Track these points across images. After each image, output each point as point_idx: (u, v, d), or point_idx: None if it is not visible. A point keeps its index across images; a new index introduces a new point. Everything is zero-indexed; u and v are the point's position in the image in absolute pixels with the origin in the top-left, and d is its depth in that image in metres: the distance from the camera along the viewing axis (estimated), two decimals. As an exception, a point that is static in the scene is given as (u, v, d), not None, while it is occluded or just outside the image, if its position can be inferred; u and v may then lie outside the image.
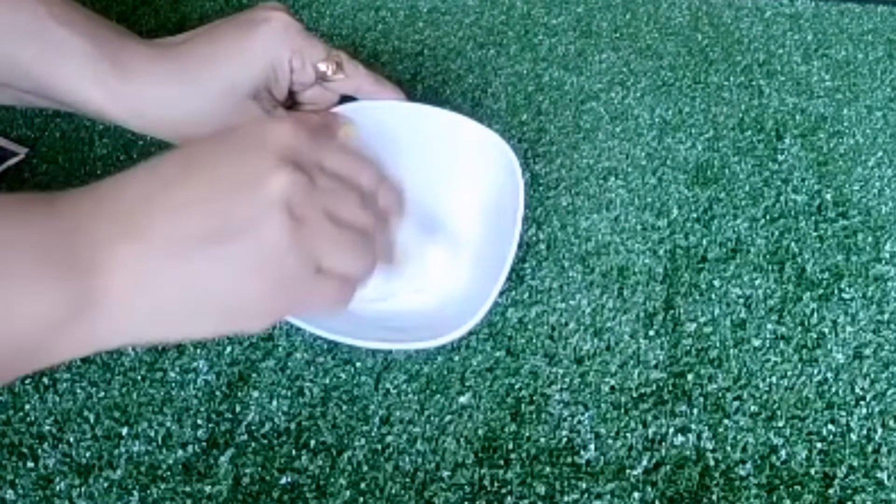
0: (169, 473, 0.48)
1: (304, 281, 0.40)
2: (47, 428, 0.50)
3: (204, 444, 0.50)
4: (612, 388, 0.52)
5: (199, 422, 0.50)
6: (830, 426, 0.50)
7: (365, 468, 0.49)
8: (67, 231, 0.36)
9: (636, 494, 0.48)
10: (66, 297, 0.36)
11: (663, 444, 0.50)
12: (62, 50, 0.51)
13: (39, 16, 0.51)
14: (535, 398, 0.52)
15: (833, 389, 0.52)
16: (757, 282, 0.58)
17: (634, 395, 0.52)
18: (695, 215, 0.62)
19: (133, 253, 0.37)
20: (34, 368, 0.38)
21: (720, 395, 0.52)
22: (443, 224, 0.59)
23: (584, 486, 0.48)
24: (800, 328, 0.55)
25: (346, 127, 0.48)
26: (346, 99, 0.60)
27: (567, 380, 0.53)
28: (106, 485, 0.48)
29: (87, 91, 0.52)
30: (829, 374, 0.53)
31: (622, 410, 0.51)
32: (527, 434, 0.50)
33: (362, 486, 0.48)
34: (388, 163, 0.59)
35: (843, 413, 0.51)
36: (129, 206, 0.37)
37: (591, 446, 0.50)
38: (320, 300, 0.41)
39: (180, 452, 0.49)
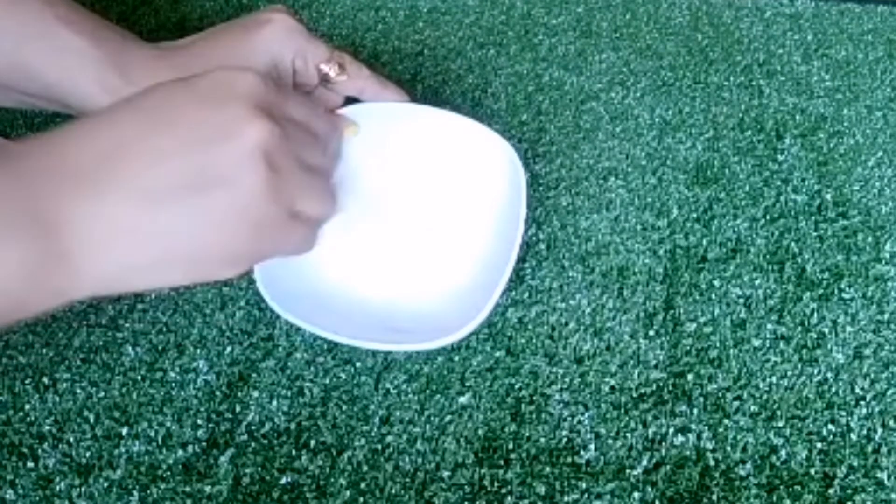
0: (169, 473, 0.48)
1: (280, 226, 0.40)
2: (47, 428, 0.50)
3: (204, 444, 0.50)
4: (612, 388, 0.52)
5: (199, 422, 0.50)
6: (830, 426, 0.50)
7: (365, 468, 0.49)
8: (31, 188, 0.36)
9: (636, 494, 0.48)
10: (33, 253, 0.36)
11: (663, 444, 0.50)
12: (66, 51, 0.51)
13: (44, 17, 0.51)
14: (535, 398, 0.52)
15: (833, 389, 0.52)
16: (757, 282, 0.58)
17: (634, 395, 0.52)
18: (695, 215, 0.62)
19: (100, 205, 0.36)
20: (5, 322, 0.38)
21: (720, 395, 0.52)
22: (446, 224, 0.59)
23: (584, 486, 0.48)
24: (800, 328, 0.55)
25: (351, 127, 0.49)
26: (350, 100, 0.60)
27: (567, 380, 0.53)
28: (106, 485, 0.48)
29: (90, 92, 0.52)
30: (829, 374, 0.53)
31: (622, 410, 0.51)
32: (527, 434, 0.50)
33: (362, 486, 0.48)
34: (393, 164, 0.59)
35: (843, 413, 0.51)
36: (96, 158, 0.37)
37: (591, 446, 0.50)
38: (292, 244, 0.42)
39: (180, 452, 0.49)
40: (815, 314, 0.56)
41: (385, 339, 0.52)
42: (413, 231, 0.58)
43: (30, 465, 0.48)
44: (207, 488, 0.48)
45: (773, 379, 0.53)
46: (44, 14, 0.51)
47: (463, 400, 0.52)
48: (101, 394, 0.51)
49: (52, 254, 0.36)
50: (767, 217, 0.62)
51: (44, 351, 0.53)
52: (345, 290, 0.56)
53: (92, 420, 0.50)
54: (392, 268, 0.57)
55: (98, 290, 0.39)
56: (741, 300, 0.57)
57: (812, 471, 0.49)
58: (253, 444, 0.50)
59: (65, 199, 0.36)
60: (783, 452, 0.49)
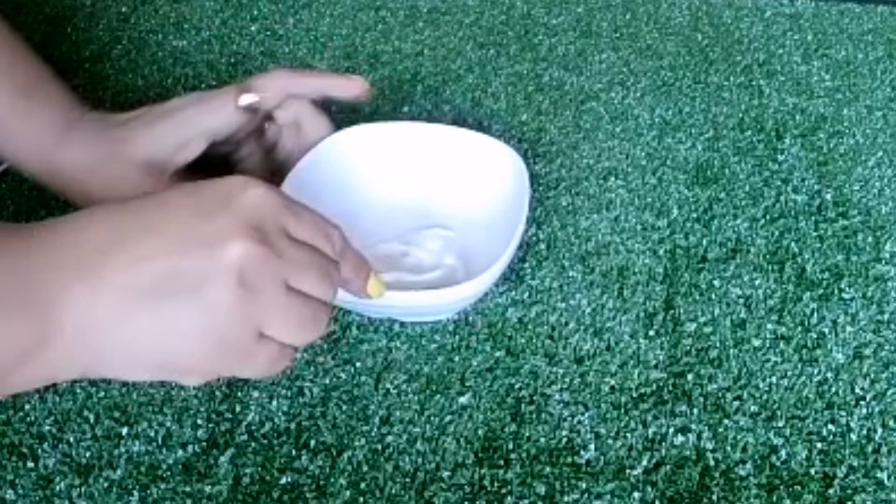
0: (169, 473, 0.48)
1: (244, 347, 0.39)
2: (47, 428, 0.50)
3: (204, 444, 0.50)
4: (612, 388, 0.52)
5: (199, 422, 0.50)
6: (830, 426, 0.50)
7: (365, 468, 0.49)
8: (33, 269, 0.37)
9: (636, 494, 0.48)
10: (28, 332, 0.37)
11: (663, 444, 0.50)
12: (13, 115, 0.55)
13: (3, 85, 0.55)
14: (535, 398, 0.52)
15: (833, 389, 0.52)
16: (757, 282, 0.58)
17: (634, 395, 0.52)
18: (695, 215, 0.62)
19: (87, 295, 0.37)
20: None
21: (720, 395, 0.52)
22: (454, 237, 0.59)
23: (584, 486, 0.48)
24: (800, 328, 0.55)
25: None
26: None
27: (567, 380, 0.53)
28: (106, 485, 0.48)
29: (22, 158, 0.57)
30: (829, 374, 0.53)
31: (622, 410, 0.51)
32: (527, 434, 0.50)
33: (362, 486, 0.48)
34: (402, 180, 0.60)
35: (843, 413, 0.51)
36: (91, 251, 0.38)
37: (591, 446, 0.50)
38: (259, 366, 0.41)
39: (180, 452, 0.49)
40: (815, 314, 0.56)
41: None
42: (426, 243, 0.58)
43: (30, 465, 0.48)
44: (207, 488, 0.48)
45: (773, 379, 0.53)
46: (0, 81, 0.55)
47: (463, 400, 0.52)
48: (101, 394, 0.51)
49: (44, 335, 0.37)
50: (767, 217, 0.62)
51: (44, 351, 0.53)
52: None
53: (92, 420, 0.50)
54: (397, 263, 0.58)
55: (83, 374, 0.40)
56: (741, 300, 0.57)
57: (812, 471, 0.49)
58: (253, 444, 0.50)
59: (59, 286, 0.37)
60: (783, 452, 0.49)
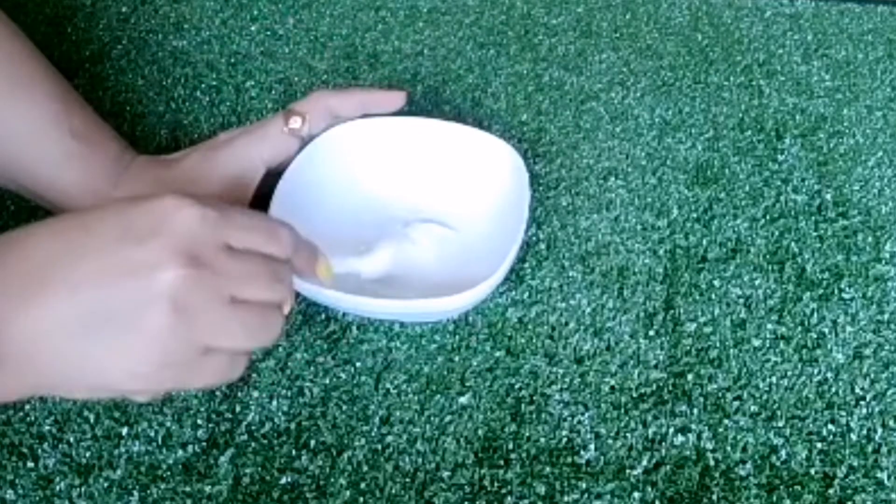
0: (169, 473, 0.48)
1: (188, 364, 0.40)
2: (47, 428, 0.50)
3: (204, 444, 0.50)
4: (612, 388, 0.52)
5: (199, 422, 0.50)
6: (830, 426, 0.50)
7: (365, 468, 0.49)
8: None
9: (636, 494, 0.48)
10: None
11: (663, 444, 0.50)
12: (68, 158, 0.55)
13: (59, 128, 0.55)
14: (535, 398, 0.52)
15: (833, 389, 0.52)
16: (757, 282, 0.58)
17: (634, 395, 0.52)
18: (695, 215, 0.62)
19: (31, 321, 0.37)
20: None
21: (720, 395, 0.52)
22: (454, 234, 0.59)
23: (584, 486, 0.48)
24: (800, 328, 0.55)
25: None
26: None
27: (567, 380, 0.53)
28: (106, 485, 0.48)
29: (72, 195, 0.56)
30: (829, 374, 0.53)
31: (622, 410, 0.51)
32: (527, 434, 0.50)
33: (362, 486, 0.48)
34: (401, 175, 0.60)
35: (843, 413, 0.51)
36: (31, 276, 0.38)
37: (591, 446, 0.50)
38: (208, 377, 0.41)
39: (180, 452, 0.49)
40: (815, 314, 0.56)
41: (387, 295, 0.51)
42: (424, 243, 0.58)
43: (30, 465, 0.48)
44: (207, 488, 0.48)
45: (773, 379, 0.53)
46: (59, 126, 0.55)
47: (463, 400, 0.52)
48: (101, 394, 0.51)
49: None
50: (767, 217, 0.62)
51: (44, 351, 0.53)
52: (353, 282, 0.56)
53: (92, 420, 0.50)
54: (400, 261, 0.58)
55: (34, 392, 0.40)
56: (741, 300, 0.57)
57: (812, 471, 0.49)
58: (253, 444, 0.50)
59: (4, 311, 0.37)
60: (783, 452, 0.49)
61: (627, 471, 0.48)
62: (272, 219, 0.44)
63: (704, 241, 0.60)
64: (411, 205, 0.61)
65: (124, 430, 0.50)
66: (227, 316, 0.40)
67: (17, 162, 0.55)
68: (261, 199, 0.57)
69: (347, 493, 0.48)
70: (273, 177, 0.57)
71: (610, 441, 0.50)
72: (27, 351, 0.38)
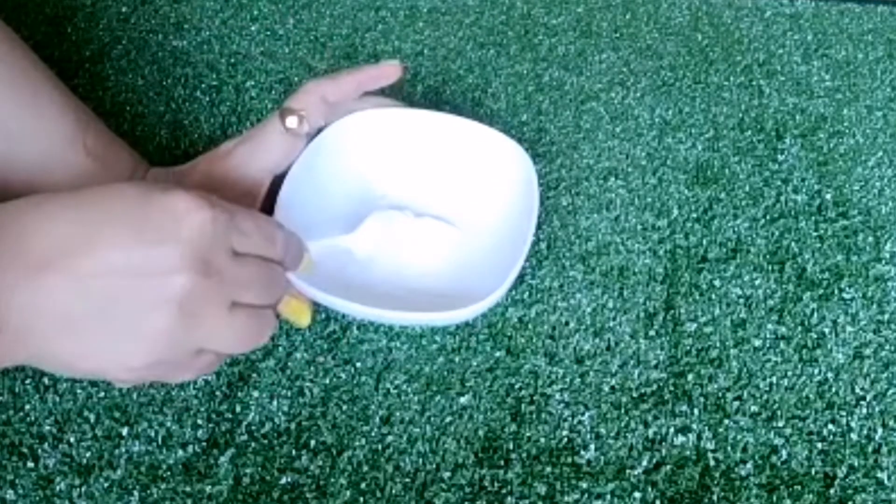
0: (169, 473, 0.48)
1: (179, 363, 0.41)
2: (47, 428, 0.50)
3: (204, 444, 0.49)
4: (613, 388, 0.52)
5: (199, 422, 0.50)
6: (831, 426, 0.50)
7: (365, 468, 0.49)
8: None
9: (636, 494, 0.48)
10: None
11: (663, 444, 0.50)
12: (81, 175, 0.55)
13: (74, 145, 0.55)
14: (535, 398, 0.52)
15: (833, 389, 0.52)
16: (757, 282, 0.58)
17: (635, 395, 0.52)
18: (695, 215, 0.62)
19: (32, 298, 0.37)
20: None
21: (720, 395, 0.52)
22: (461, 235, 0.59)
23: (584, 486, 0.48)
24: (800, 328, 0.55)
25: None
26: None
27: (567, 380, 0.53)
28: (106, 485, 0.48)
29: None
30: (829, 374, 0.53)
31: (622, 410, 0.51)
32: (527, 434, 0.50)
33: (362, 486, 0.48)
34: (407, 169, 0.60)
35: (844, 413, 0.51)
36: (35, 255, 0.38)
37: (592, 446, 0.50)
38: (190, 375, 0.43)
39: (180, 452, 0.49)
40: (815, 314, 0.56)
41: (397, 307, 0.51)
42: (429, 235, 0.58)
43: (30, 465, 0.48)
44: (207, 488, 0.48)
45: (774, 379, 0.53)
46: (75, 143, 0.55)
47: (463, 400, 0.52)
48: (101, 394, 0.51)
49: None
50: (767, 217, 0.62)
51: (44, 351, 0.53)
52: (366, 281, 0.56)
53: (92, 420, 0.50)
54: (408, 261, 0.57)
55: (27, 363, 0.40)
56: (741, 300, 0.57)
57: (812, 471, 0.49)
58: (253, 444, 0.50)
59: (5, 284, 0.37)
60: (783, 452, 0.49)
61: (628, 471, 0.48)
62: (270, 220, 0.44)
63: (704, 241, 0.60)
64: (421, 203, 0.60)
65: (124, 430, 0.50)
66: (227, 322, 0.41)
67: (30, 188, 0.53)
68: (267, 197, 0.57)
69: (347, 493, 0.48)
70: (275, 181, 0.57)
71: (610, 441, 0.50)
72: (28, 323, 0.38)
